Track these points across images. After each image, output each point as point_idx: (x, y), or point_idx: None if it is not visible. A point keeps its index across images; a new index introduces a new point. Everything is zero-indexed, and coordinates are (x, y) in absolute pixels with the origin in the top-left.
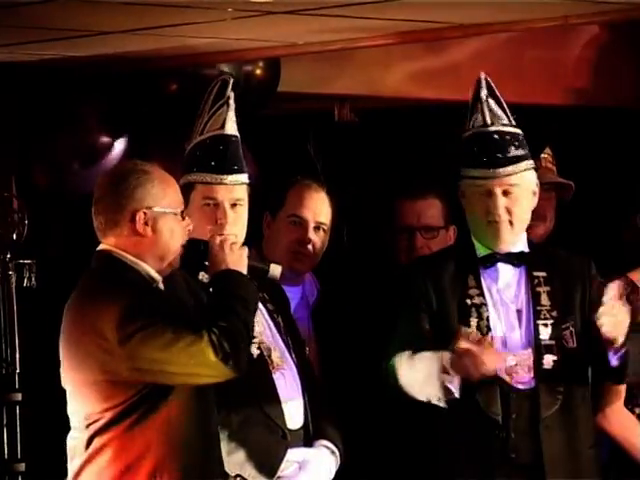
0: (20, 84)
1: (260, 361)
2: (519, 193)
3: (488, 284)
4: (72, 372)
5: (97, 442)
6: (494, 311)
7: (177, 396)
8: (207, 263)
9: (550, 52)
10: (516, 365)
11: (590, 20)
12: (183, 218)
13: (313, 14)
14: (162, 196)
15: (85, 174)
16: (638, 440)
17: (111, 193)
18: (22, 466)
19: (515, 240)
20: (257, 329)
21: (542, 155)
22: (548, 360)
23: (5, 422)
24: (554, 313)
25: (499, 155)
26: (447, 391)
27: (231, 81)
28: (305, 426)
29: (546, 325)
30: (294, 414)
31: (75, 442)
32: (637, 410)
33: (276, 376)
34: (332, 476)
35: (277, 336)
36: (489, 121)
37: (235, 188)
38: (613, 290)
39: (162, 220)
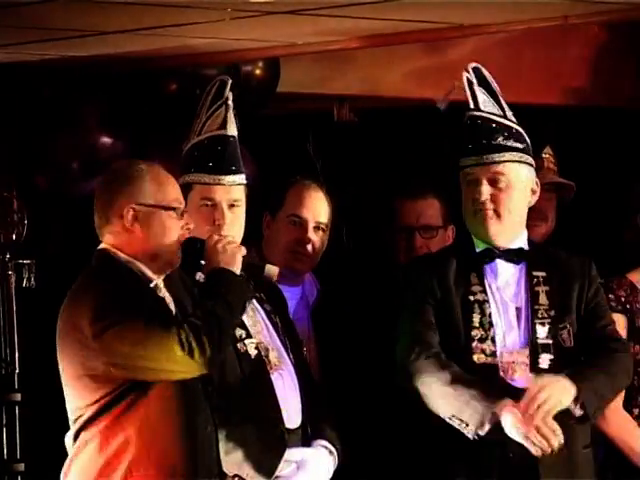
0: (20, 84)
1: (258, 361)
2: (507, 183)
3: (489, 281)
4: (61, 367)
5: (82, 437)
6: (495, 308)
7: (157, 393)
8: (203, 262)
9: (549, 52)
10: (513, 363)
11: (589, 20)
12: (181, 216)
13: (312, 14)
14: (153, 192)
15: (85, 174)
16: (635, 441)
17: (105, 191)
18: (21, 466)
19: (507, 233)
20: (255, 329)
21: (544, 155)
22: (544, 359)
23: (4, 422)
24: (552, 312)
25: (484, 141)
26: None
27: (229, 81)
28: (303, 426)
29: (543, 324)
30: (292, 414)
31: (68, 438)
32: (635, 411)
33: (274, 376)
34: (330, 476)
35: (275, 336)
36: (472, 105)
37: (233, 189)
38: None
39: (152, 217)
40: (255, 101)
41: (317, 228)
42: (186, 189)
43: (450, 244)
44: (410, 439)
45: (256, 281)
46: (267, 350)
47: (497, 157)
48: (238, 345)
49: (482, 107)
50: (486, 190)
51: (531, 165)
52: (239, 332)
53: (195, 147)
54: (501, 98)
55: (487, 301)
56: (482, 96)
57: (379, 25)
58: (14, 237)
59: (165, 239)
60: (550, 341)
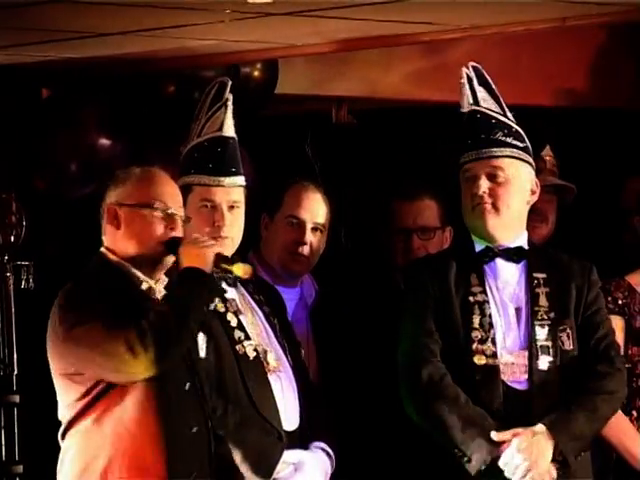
0: (19, 85)
1: (256, 363)
2: (506, 178)
3: (489, 282)
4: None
5: (66, 440)
6: (495, 309)
7: (132, 395)
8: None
9: (547, 54)
10: (513, 364)
11: (588, 22)
12: (167, 216)
13: (311, 16)
14: (135, 192)
15: (83, 176)
16: (634, 444)
17: (102, 196)
18: (20, 468)
19: (506, 229)
20: (254, 331)
21: (545, 157)
22: (543, 361)
23: (3, 424)
24: (552, 315)
25: (483, 136)
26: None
27: (229, 83)
28: (301, 428)
29: (543, 326)
30: (290, 416)
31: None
32: (634, 413)
33: (272, 378)
34: (328, 478)
35: (273, 338)
36: (471, 101)
37: (232, 190)
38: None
39: (133, 216)
40: (254, 102)
41: (315, 229)
42: (185, 190)
43: (450, 246)
44: (409, 440)
45: (255, 283)
46: (265, 352)
47: (496, 151)
48: (237, 347)
49: (482, 103)
50: (484, 184)
51: (531, 165)
52: (238, 334)
53: (195, 148)
54: (500, 98)
55: (487, 301)
56: (481, 93)
57: (377, 27)
58: (13, 239)
59: (144, 238)
60: (549, 343)
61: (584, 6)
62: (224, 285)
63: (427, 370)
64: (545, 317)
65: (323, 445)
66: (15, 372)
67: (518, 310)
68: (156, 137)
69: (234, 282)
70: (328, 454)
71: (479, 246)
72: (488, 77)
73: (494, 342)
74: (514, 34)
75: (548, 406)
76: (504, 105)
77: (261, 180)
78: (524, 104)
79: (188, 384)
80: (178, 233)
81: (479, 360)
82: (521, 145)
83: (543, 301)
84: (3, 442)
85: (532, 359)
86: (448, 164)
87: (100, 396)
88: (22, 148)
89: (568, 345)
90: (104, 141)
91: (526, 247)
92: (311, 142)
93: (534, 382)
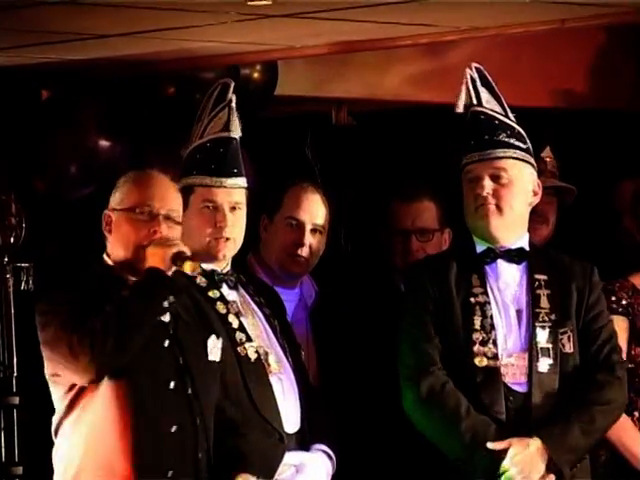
0: (19, 87)
1: (258, 365)
2: (509, 179)
3: (490, 283)
4: None
5: (56, 441)
6: (496, 310)
7: (101, 397)
8: None
9: (547, 55)
10: (513, 366)
11: (587, 23)
12: (151, 218)
13: (311, 17)
14: (123, 197)
15: (83, 178)
16: (635, 445)
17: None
18: (19, 469)
19: (508, 230)
20: (255, 333)
21: (546, 158)
22: (543, 363)
23: (2, 425)
24: (553, 316)
25: (486, 137)
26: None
27: (232, 84)
28: (302, 430)
29: (544, 328)
30: (291, 418)
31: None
32: (636, 414)
33: (273, 380)
34: None
35: (274, 340)
36: (475, 102)
37: (234, 191)
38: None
39: (118, 221)
40: (253, 104)
41: (314, 231)
42: (187, 191)
43: (450, 247)
44: (410, 441)
45: (255, 285)
46: (266, 354)
47: (500, 152)
48: (238, 349)
49: (485, 104)
50: (488, 185)
51: (533, 166)
52: (239, 336)
53: (197, 149)
54: (502, 99)
55: (488, 302)
56: (485, 94)
57: (377, 29)
58: (12, 240)
59: (128, 241)
60: (550, 345)
61: (583, 8)
62: (225, 287)
63: (427, 382)
64: (546, 319)
65: (324, 447)
66: (15, 374)
67: (519, 312)
68: (156, 138)
69: (235, 284)
70: (329, 456)
71: (480, 247)
72: (490, 78)
73: (495, 344)
74: (514, 36)
75: (547, 408)
76: (506, 106)
77: (261, 181)
78: (524, 105)
79: (173, 383)
80: (163, 234)
81: (480, 362)
82: (523, 146)
83: (544, 303)
84: (3, 443)
85: (532, 361)
86: (448, 165)
87: (78, 396)
88: (22, 149)
89: (569, 348)
90: (104, 142)
91: (527, 248)
92: (311, 143)
93: (533, 384)
